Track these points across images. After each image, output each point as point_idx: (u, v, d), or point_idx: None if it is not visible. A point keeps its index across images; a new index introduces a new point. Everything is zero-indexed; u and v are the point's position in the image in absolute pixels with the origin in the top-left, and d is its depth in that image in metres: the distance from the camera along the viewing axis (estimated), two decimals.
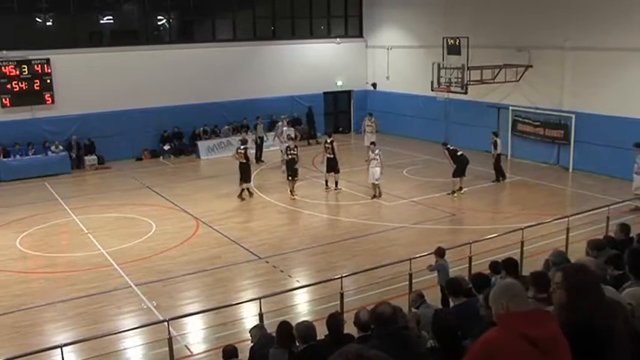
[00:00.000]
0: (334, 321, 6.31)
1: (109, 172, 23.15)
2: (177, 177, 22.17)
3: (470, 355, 3.10)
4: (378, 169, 17.98)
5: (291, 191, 18.65)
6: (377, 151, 18.12)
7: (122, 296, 11.88)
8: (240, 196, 18.55)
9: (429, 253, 10.86)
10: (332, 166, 19.14)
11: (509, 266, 7.83)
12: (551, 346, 2.96)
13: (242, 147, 18.94)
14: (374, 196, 18.17)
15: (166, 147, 25.26)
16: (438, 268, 10.24)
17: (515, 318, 3.04)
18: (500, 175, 19.76)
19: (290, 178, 18.74)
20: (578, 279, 3.43)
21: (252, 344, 7.42)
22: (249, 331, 7.80)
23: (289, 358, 6.07)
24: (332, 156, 19.02)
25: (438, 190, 18.92)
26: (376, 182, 18.11)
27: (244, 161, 18.59)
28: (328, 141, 19.44)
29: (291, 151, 18.82)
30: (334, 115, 30.10)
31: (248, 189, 18.76)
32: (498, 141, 19.63)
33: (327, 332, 6.29)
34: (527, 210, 16.55)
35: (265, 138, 24.45)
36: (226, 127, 26.19)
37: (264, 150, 24.32)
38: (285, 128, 23.04)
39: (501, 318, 3.10)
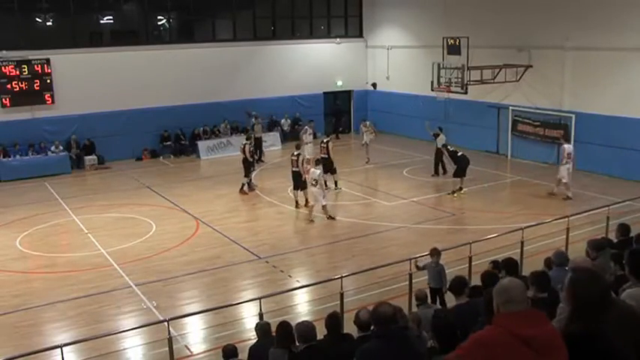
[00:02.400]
0: (333, 321, 6.31)
1: (109, 172, 23.16)
2: (177, 177, 22.16)
3: (462, 349, 3.08)
4: (319, 190, 15.98)
5: (305, 201, 17.34)
6: (318, 173, 16.02)
7: (122, 296, 11.88)
8: (241, 190, 19.09)
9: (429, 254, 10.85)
10: (327, 167, 19.10)
11: (509, 266, 7.82)
12: (546, 346, 2.95)
13: (243, 142, 19.52)
14: (329, 217, 16.23)
15: (167, 146, 25.30)
16: (439, 270, 10.13)
17: (509, 317, 3.03)
18: (441, 168, 20.53)
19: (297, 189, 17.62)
20: (586, 290, 3.29)
21: (253, 343, 7.43)
22: (256, 325, 7.76)
23: (289, 358, 6.07)
24: (326, 156, 19.00)
25: (438, 190, 18.92)
26: (324, 204, 16.18)
27: (243, 156, 19.08)
28: (324, 141, 19.44)
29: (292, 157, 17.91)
30: (334, 115, 30.10)
31: (248, 184, 19.13)
32: (442, 136, 20.16)
33: (326, 332, 6.30)
34: (527, 210, 16.55)
35: (263, 138, 24.57)
36: (222, 124, 26.14)
37: (264, 150, 24.34)
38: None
39: (496, 317, 3.10)
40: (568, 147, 17.66)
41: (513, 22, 22.32)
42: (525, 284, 4.69)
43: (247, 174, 19.18)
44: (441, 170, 20.61)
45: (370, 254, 13.62)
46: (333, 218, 16.29)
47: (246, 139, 20.03)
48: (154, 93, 24.70)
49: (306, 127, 22.48)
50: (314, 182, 16.05)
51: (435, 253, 10.17)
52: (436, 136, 20.44)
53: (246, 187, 19.13)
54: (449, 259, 11.57)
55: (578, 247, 11.16)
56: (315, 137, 22.87)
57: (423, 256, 10.94)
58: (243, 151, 19.16)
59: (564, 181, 17.39)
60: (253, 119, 24.59)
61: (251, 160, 19.26)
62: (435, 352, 5.21)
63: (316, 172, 16.07)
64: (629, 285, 4.77)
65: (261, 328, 7.54)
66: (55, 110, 23.52)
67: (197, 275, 12.87)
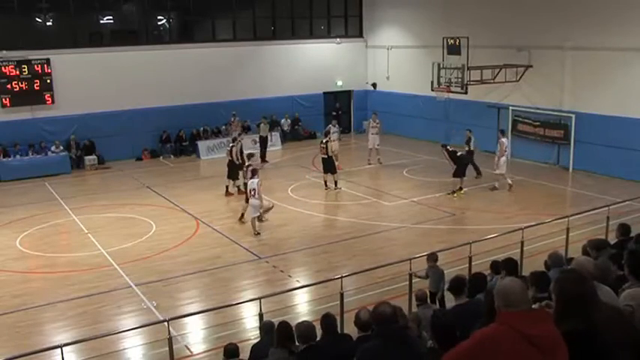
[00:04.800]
0: (328, 320, 6.31)
1: (109, 172, 23.16)
2: (177, 177, 22.15)
3: (465, 347, 3.07)
4: (257, 202, 15.06)
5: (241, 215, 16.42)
6: (257, 181, 15.10)
7: (122, 296, 11.88)
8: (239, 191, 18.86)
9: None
10: (327, 167, 19.08)
11: (509, 266, 7.82)
12: (550, 345, 2.95)
13: (230, 145, 19.43)
14: (256, 233, 15.21)
15: (167, 146, 25.30)
16: (427, 274, 10.12)
17: (514, 316, 3.03)
18: (473, 170, 20.17)
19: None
20: (571, 289, 3.36)
21: (257, 341, 7.45)
22: (262, 324, 7.75)
23: (289, 358, 6.07)
24: (326, 156, 18.97)
25: (438, 190, 18.92)
26: (254, 216, 15.18)
27: (229, 159, 18.89)
28: (324, 141, 19.40)
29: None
30: (334, 115, 30.06)
31: (238, 187, 18.84)
32: (472, 138, 19.73)
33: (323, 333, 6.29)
34: (527, 210, 16.55)
35: (270, 138, 24.56)
36: (224, 126, 26.12)
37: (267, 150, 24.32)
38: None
39: (500, 315, 3.10)
40: (505, 140, 19.14)
41: (513, 22, 22.32)
42: (525, 284, 4.70)
43: (233, 177, 18.76)
44: (474, 172, 19.90)
45: (370, 254, 13.63)
46: (258, 234, 15.22)
47: (232, 141, 19.58)
48: (154, 93, 24.70)
49: (330, 125, 22.61)
50: (252, 193, 15.07)
51: (433, 258, 10.11)
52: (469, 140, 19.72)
53: (231, 188, 18.79)
54: (449, 259, 11.60)
55: (578, 247, 11.15)
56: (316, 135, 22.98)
57: (423, 256, 10.94)
58: (230, 154, 18.87)
59: (502, 172, 18.45)
60: (232, 118, 24.65)
61: (237, 162, 18.67)
62: (435, 352, 5.21)
63: (254, 181, 15.12)
64: (628, 285, 4.78)
65: (264, 326, 7.55)
66: (55, 110, 23.51)
67: (197, 275, 12.88)
